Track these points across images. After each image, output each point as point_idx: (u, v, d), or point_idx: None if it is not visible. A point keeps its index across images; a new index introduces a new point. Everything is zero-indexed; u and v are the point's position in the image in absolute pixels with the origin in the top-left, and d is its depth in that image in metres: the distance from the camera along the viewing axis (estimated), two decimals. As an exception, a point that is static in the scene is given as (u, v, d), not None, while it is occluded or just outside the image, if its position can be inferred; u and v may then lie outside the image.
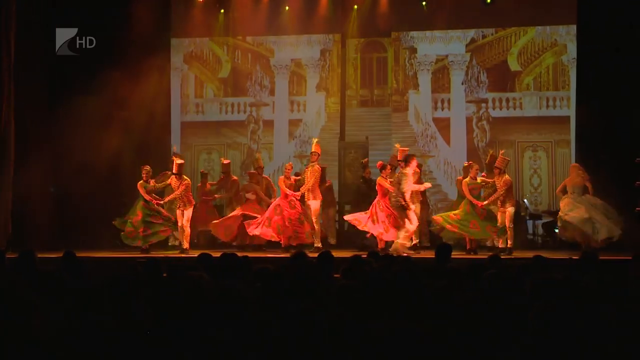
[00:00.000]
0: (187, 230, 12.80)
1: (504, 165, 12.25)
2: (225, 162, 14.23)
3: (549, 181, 15.22)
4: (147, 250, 12.66)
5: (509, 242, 12.12)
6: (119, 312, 3.94)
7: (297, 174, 13.34)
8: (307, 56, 16.11)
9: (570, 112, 15.00)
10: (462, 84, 15.54)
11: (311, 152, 12.96)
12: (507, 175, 12.26)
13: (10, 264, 7.24)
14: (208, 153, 16.29)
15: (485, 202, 12.20)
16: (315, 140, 13.16)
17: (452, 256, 7.72)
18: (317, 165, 12.84)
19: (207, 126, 16.30)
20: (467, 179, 12.41)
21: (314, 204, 12.73)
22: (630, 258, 7.20)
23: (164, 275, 5.88)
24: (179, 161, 12.90)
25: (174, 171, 12.81)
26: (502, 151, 12.87)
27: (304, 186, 12.68)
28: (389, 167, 12.54)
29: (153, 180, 12.98)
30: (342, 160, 14.81)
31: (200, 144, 16.26)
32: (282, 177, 12.97)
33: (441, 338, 3.71)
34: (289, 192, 12.70)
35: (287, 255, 10.69)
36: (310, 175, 12.68)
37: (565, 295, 4.35)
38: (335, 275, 6.19)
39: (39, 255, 6.75)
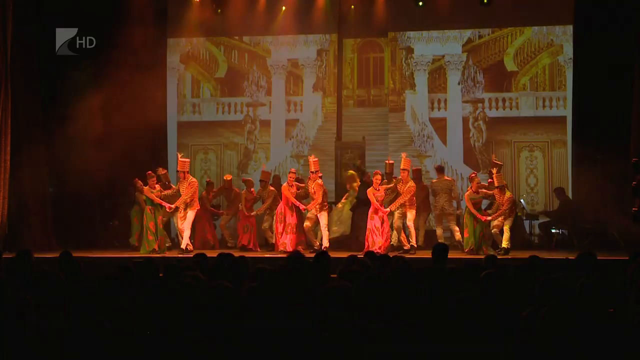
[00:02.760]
0: (188, 231, 12.76)
1: (502, 181, 12.43)
2: (229, 178, 14.25)
3: (545, 181, 15.22)
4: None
5: (504, 242, 12.22)
6: (114, 312, 3.93)
7: (299, 180, 13.33)
8: (303, 56, 16.10)
9: (567, 112, 15.01)
10: (459, 84, 15.53)
11: (311, 172, 12.98)
12: (508, 192, 12.46)
13: (7, 264, 7.24)
14: (205, 153, 16.27)
15: (490, 218, 12.34)
16: (312, 159, 13.14)
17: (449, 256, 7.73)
18: (320, 180, 12.93)
19: (203, 126, 16.27)
20: (468, 193, 12.60)
21: (324, 214, 12.92)
22: (627, 258, 7.21)
23: (161, 275, 5.88)
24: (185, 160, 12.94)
25: (180, 170, 12.80)
26: (494, 155, 13.11)
27: (313, 202, 12.80)
28: (379, 175, 12.61)
29: (159, 185, 12.86)
30: (338, 161, 14.80)
31: (196, 144, 16.24)
32: (285, 184, 12.99)
33: (437, 338, 3.71)
34: (297, 203, 12.84)
35: (284, 255, 10.69)
36: (318, 191, 12.78)
37: (562, 296, 4.35)
38: (332, 276, 6.19)
39: (36, 256, 6.75)
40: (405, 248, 12.53)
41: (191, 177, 12.91)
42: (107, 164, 13.70)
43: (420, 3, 15.07)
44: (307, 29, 15.87)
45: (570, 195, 14.35)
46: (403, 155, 12.99)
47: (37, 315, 3.90)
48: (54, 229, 13.82)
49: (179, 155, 13.13)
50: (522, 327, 3.72)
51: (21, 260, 6.50)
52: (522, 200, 14.58)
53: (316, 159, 13.20)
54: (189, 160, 13.47)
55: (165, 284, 4.82)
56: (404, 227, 12.82)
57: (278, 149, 16.03)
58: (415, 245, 12.65)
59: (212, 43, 16.34)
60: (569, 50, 14.96)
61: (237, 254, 7.21)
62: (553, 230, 13.94)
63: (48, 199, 14.10)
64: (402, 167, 12.70)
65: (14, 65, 13.17)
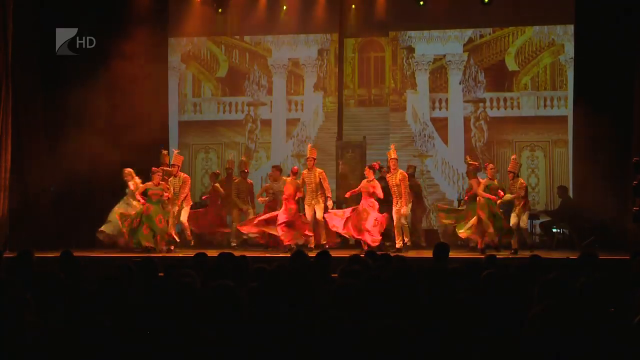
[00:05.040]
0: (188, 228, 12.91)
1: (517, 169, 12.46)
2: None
3: (546, 181, 15.23)
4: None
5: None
6: (114, 312, 3.93)
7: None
8: (304, 55, 16.11)
9: (568, 111, 15.01)
10: (460, 83, 15.53)
11: (307, 158, 12.91)
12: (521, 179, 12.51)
13: (7, 263, 7.24)
14: (206, 152, 16.28)
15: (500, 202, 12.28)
16: (309, 146, 13.14)
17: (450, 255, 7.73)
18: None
19: (204, 126, 16.28)
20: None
21: (320, 207, 12.85)
22: (628, 258, 7.19)
23: (161, 274, 5.87)
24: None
25: (175, 164, 12.80)
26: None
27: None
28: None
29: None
30: (339, 160, 14.79)
31: (197, 143, 16.26)
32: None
33: (437, 338, 3.70)
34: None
35: (287, 254, 10.68)
36: (324, 180, 12.74)
37: (563, 296, 4.34)
38: (333, 275, 6.18)
39: (37, 255, 6.75)
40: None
41: (183, 173, 12.92)
42: (107, 163, 13.69)
43: (422, 2, 15.06)
44: (308, 28, 15.87)
45: (571, 194, 14.34)
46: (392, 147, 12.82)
47: (37, 315, 3.90)
48: (54, 229, 13.80)
49: (175, 151, 13.10)
50: (523, 327, 3.71)
51: (22, 260, 6.51)
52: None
53: (314, 148, 13.12)
54: (183, 157, 13.39)
55: (165, 284, 4.81)
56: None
57: (279, 149, 16.04)
58: (409, 244, 12.50)
59: (213, 42, 16.35)
60: (570, 49, 14.95)
61: (237, 253, 7.19)
62: (554, 230, 13.93)
63: (49, 198, 14.09)
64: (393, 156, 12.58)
65: (15, 65, 13.17)
